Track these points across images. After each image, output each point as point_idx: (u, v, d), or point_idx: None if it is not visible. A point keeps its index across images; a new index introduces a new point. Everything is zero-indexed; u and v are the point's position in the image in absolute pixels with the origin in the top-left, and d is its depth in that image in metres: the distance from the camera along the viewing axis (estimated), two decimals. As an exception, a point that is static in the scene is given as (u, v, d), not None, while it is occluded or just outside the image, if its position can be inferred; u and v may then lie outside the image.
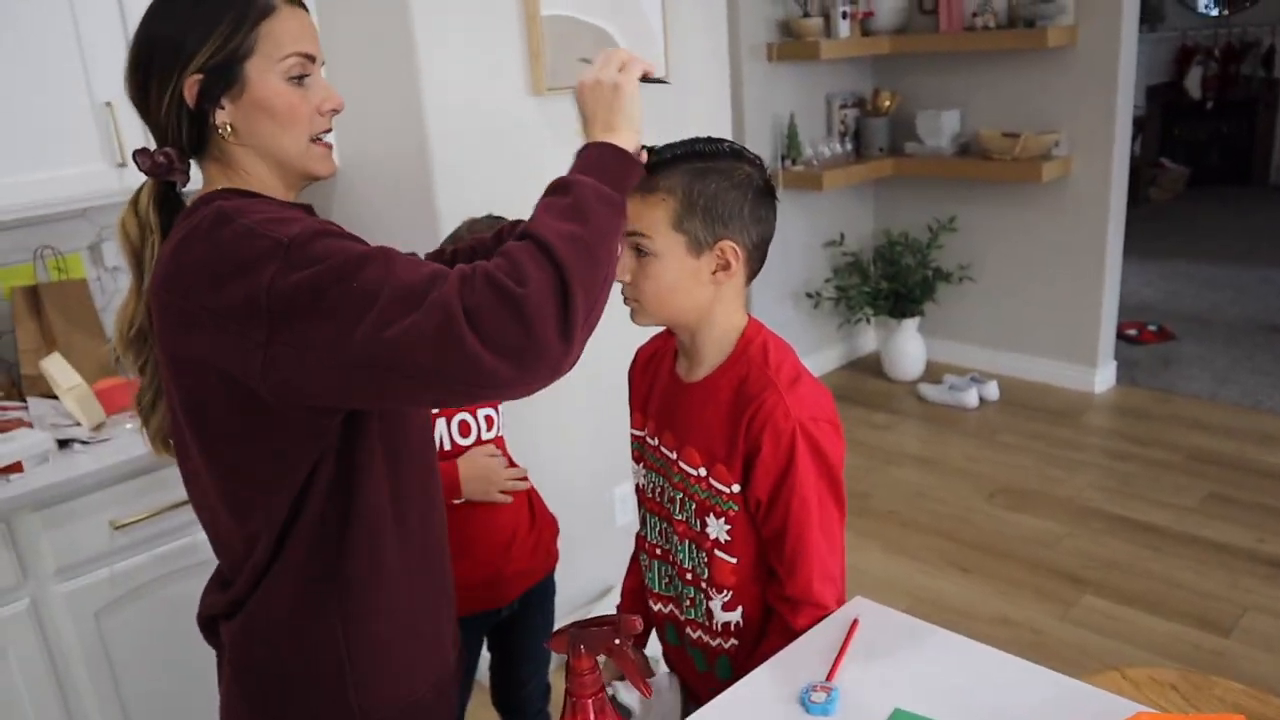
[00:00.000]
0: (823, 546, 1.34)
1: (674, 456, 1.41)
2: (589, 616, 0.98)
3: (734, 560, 1.37)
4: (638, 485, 1.53)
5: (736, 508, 1.35)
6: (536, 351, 0.95)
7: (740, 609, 1.40)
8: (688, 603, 1.44)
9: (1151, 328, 5.45)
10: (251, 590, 1.18)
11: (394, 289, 0.96)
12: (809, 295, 5.02)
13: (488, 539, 1.86)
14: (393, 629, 1.23)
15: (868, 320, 5.19)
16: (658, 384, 1.49)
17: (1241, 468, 3.94)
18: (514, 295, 0.94)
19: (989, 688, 1.26)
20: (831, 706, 1.21)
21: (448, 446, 1.83)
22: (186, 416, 1.13)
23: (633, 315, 1.36)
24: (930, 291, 4.89)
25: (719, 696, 1.27)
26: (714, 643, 1.43)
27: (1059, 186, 4.58)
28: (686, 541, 1.41)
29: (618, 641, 0.97)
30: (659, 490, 1.46)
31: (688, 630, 1.47)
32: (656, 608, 1.53)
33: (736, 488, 1.34)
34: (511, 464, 1.94)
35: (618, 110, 1.15)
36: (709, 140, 1.31)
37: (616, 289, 1.23)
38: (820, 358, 5.18)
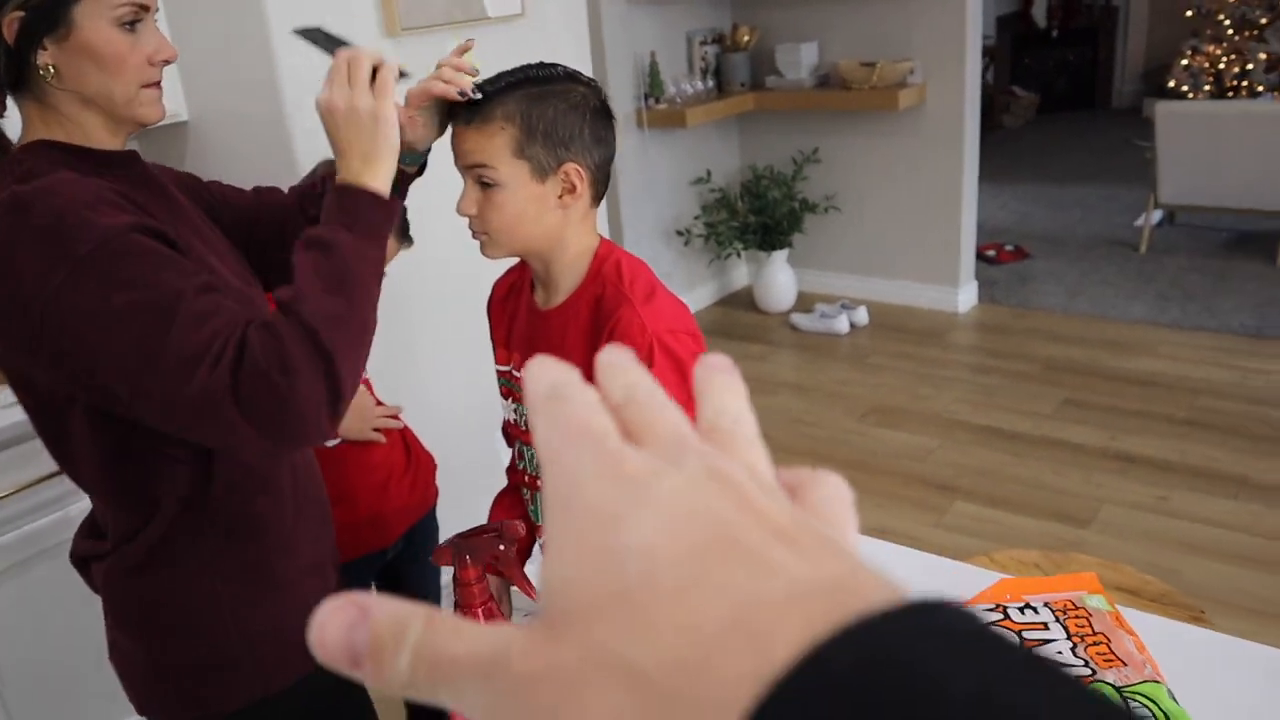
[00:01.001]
0: None
1: None
2: (471, 528, 0.99)
3: None
4: (508, 421, 1.53)
5: None
6: (301, 432, 1.01)
7: None
8: None
9: (1008, 248, 5.69)
10: (131, 537, 1.16)
11: (169, 348, 0.98)
12: (679, 233, 5.06)
13: (365, 479, 1.85)
14: (281, 559, 1.22)
15: (738, 255, 5.27)
16: (518, 316, 1.49)
17: (1093, 373, 4.17)
18: (280, 389, 0.97)
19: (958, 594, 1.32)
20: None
21: None
22: (30, 405, 1.12)
23: (483, 249, 1.35)
24: (798, 223, 4.99)
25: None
26: None
27: (915, 114, 4.72)
28: None
29: (502, 548, 0.98)
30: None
31: None
32: (543, 540, 1.55)
33: None
34: (379, 404, 1.93)
35: (379, 140, 1.12)
36: (541, 65, 1.30)
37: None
38: (694, 295, 5.25)
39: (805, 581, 0.23)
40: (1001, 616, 1.12)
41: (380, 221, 1.11)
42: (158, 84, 1.15)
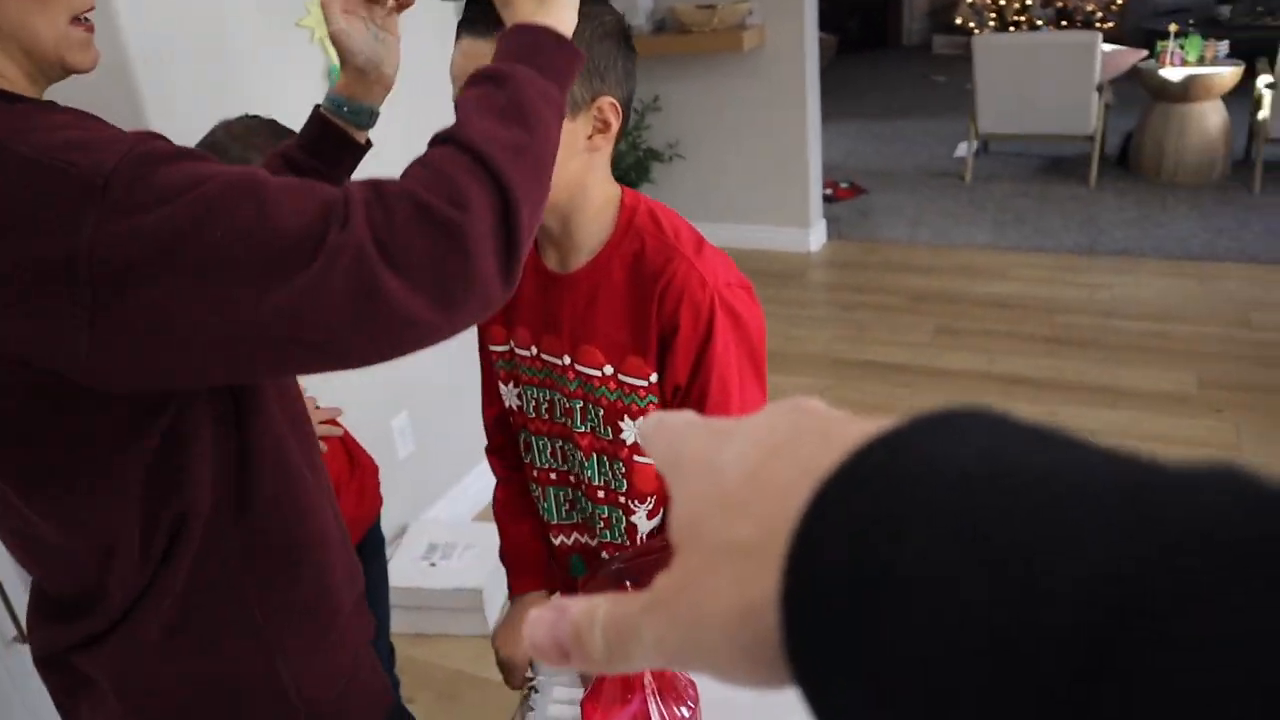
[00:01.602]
0: None
1: (566, 361, 1.22)
2: (634, 550, 0.81)
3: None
4: (511, 409, 1.34)
5: (656, 400, 1.20)
6: (475, 292, 0.76)
7: (663, 514, 1.27)
8: (601, 524, 1.28)
9: (844, 185, 5.78)
10: (129, 609, 0.91)
11: (278, 231, 0.72)
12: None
13: None
14: (320, 598, 1.00)
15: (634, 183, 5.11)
16: (521, 286, 1.29)
17: (956, 300, 4.28)
18: (451, 222, 0.74)
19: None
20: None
21: None
22: None
23: None
24: (645, 173, 4.88)
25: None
26: None
27: (757, 56, 4.67)
28: (595, 455, 1.24)
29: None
30: (547, 406, 1.27)
31: (604, 556, 1.32)
32: (558, 540, 1.36)
33: (654, 377, 1.18)
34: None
35: None
36: None
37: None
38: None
39: (858, 430, 0.27)
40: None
41: (563, 60, 0.88)
42: (88, 23, 0.89)
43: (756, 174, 4.91)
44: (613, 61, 1.10)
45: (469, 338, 3.22)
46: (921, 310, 4.21)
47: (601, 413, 1.21)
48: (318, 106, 1.17)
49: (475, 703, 2.36)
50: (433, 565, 2.52)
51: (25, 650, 1.92)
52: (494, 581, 2.57)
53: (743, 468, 0.28)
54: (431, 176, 0.76)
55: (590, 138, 1.11)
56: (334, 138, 1.17)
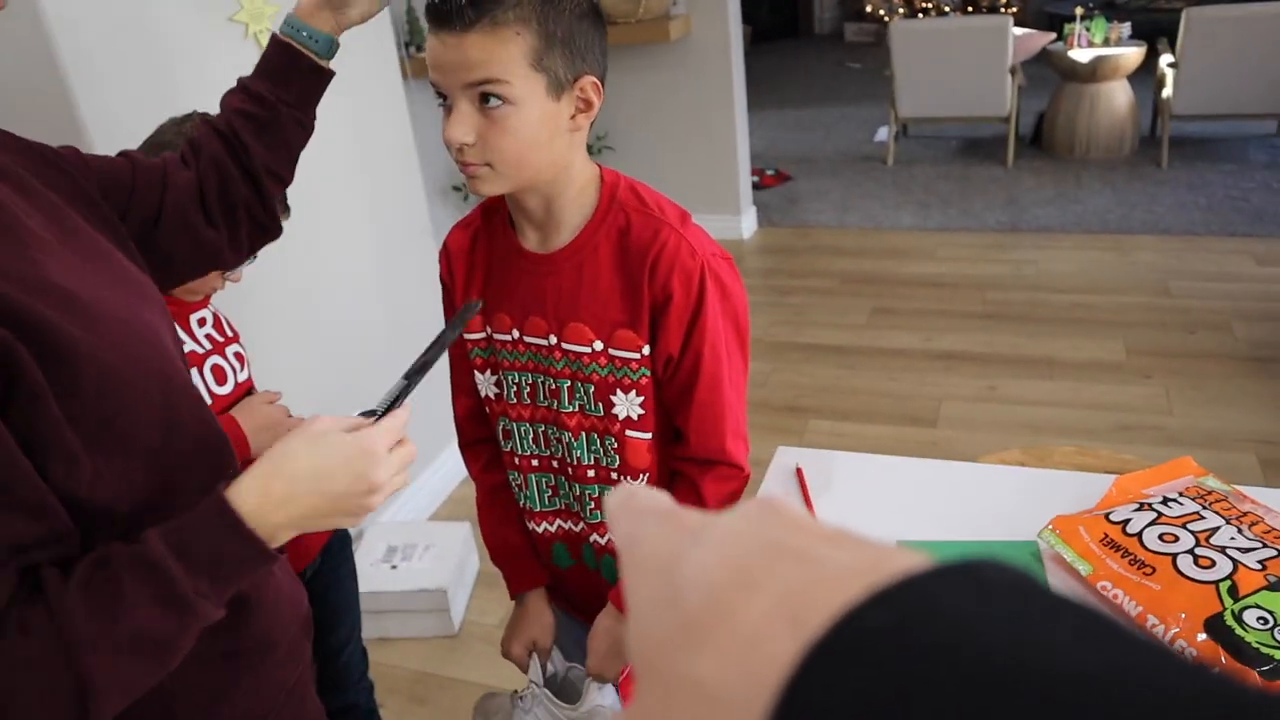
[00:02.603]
0: (734, 401, 1.23)
1: (552, 341, 1.21)
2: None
3: (648, 436, 1.22)
4: (487, 398, 1.31)
5: (649, 373, 1.19)
6: None
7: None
8: (591, 505, 1.27)
9: (769, 172, 5.82)
10: None
11: None
12: (456, 189, 4.78)
13: None
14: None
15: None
16: (495, 271, 1.26)
17: (888, 281, 4.35)
18: None
19: (959, 498, 1.24)
20: (839, 556, 1.13)
21: (207, 401, 1.48)
22: None
23: (477, 185, 1.11)
24: (576, 166, 4.84)
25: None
26: None
27: (684, 46, 4.67)
28: (584, 434, 1.23)
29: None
30: (530, 390, 1.26)
31: (594, 538, 1.31)
32: (540, 528, 1.35)
33: (646, 349, 1.18)
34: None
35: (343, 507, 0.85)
36: None
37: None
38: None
39: (847, 564, 0.24)
40: (1155, 515, 1.08)
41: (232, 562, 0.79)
42: None
43: (686, 163, 4.92)
44: (591, 41, 1.09)
45: (429, 331, 3.16)
46: (856, 292, 4.26)
47: (592, 389, 1.20)
48: (275, 34, 1.15)
49: (445, 704, 2.32)
50: (394, 568, 2.47)
51: None
52: (457, 581, 2.53)
53: (705, 589, 0.25)
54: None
55: (573, 117, 1.10)
56: (302, 66, 1.16)
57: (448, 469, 3.13)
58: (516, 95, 1.04)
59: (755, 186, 5.60)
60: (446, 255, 1.32)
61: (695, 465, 1.23)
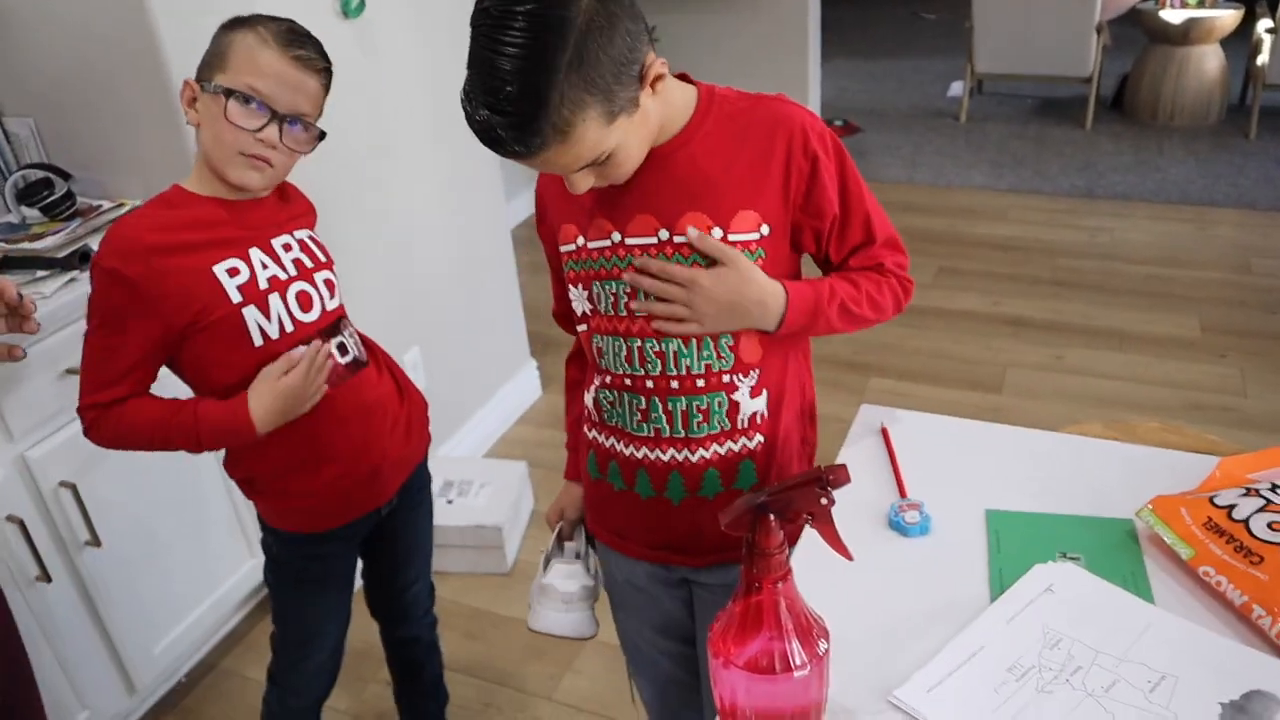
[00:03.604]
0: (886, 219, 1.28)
1: (663, 238, 1.17)
2: (780, 483, 0.78)
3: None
4: (584, 314, 1.28)
5: (765, 254, 1.18)
6: None
7: (765, 392, 1.24)
8: (700, 420, 1.23)
9: (838, 123, 5.71)
10: None
11: None
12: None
13: (359, 431, 1.56)
14: None
15: (585, 145, 5.02)
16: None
17: (957, 241, 4.27)
18: None
19: (1047, 469, 1.21)
20: (928, 524, 1.11)
21: (289, 328, 1.47)
22: None
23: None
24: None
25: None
26: (737, 446, 1.25)
27: (760, -13, 4.58)
28: (694, 339, 1.20)
29: (824, 502, 0.78)
30: (636, 296, 1.21)
31: (694, 457, 1.25)
32: (627, 451, 1.30)
33: (766, 229, 1.16)
34: (366, 341, 1.63)
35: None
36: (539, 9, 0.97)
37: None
38: (523, 201, 4.97)
39: None
40: (1263, 502, 1.05)
41: None
42: None
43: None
44: (631, 35, 1.02)
45: (479, 264, 3.14)
46: (922, 250, 4.18)
47: None
48: None
49: (496, 641, 2.35)
50: (450, 503, 2.49)
51: (49, 589, 1.88)
52: (512, 520, 2.54)
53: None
54: None
55: (654, 94, 1.08)
56: None
57: (505, 407, 3.14)
58: (612, 144, 1.05)
59: (823, 137, 5.51)
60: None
61: (870, 250, 1.27)
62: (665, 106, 1.13)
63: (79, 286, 1.92)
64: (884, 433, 1.28)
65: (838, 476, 0.78)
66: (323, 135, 1.44)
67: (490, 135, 0.97)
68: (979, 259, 4.09)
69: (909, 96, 6.32)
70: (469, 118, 0.98)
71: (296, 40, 1.36)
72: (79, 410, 1.41)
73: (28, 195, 2.04)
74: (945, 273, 3.99)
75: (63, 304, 1.87)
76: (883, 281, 1.27)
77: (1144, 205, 4.51)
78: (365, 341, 1.62)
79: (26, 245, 1.95)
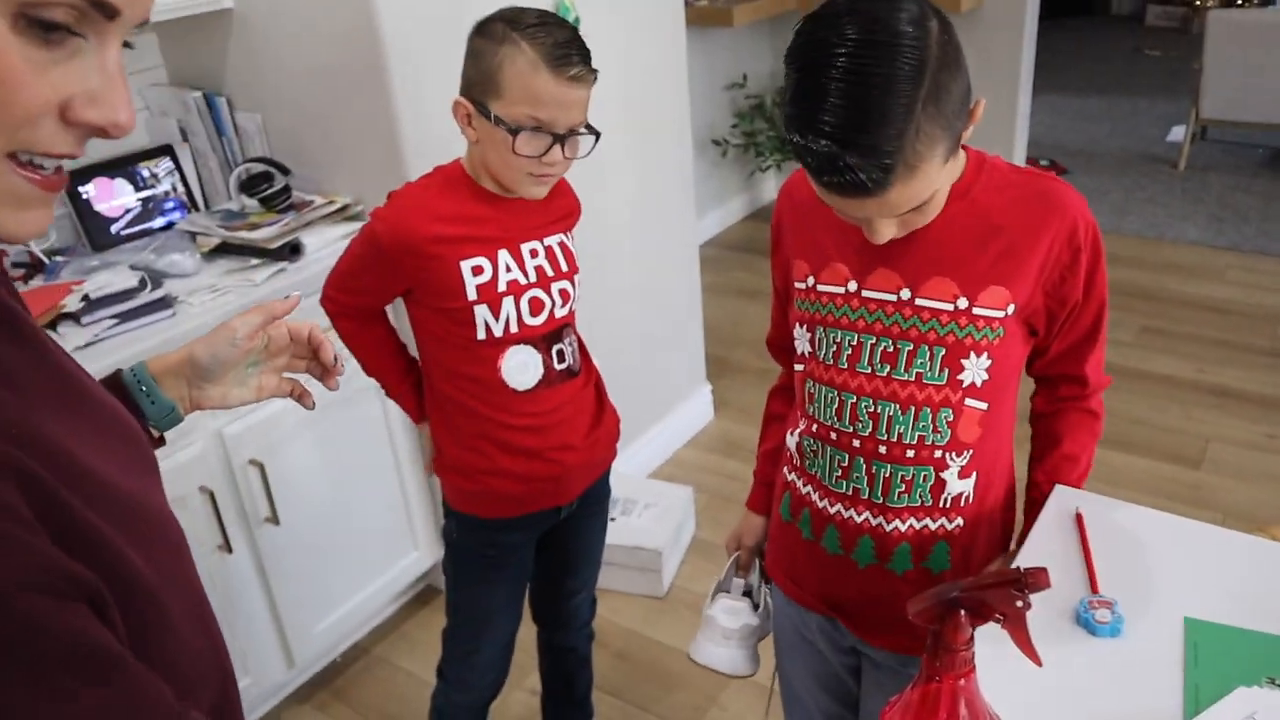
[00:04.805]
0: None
1: (903, 296, 1.15)
2: (977, 577, 0.75)
3: (984, 407, 1.17)
4: (803, 354, 1.25)
5: (1003, 334, 1.14)
6: None
7: (975, 474, 1.20)
8: (901, 490, 1.19)
9: (1044, 162, 5.49)
10: None
11: None
12: (715, 143, 4.76)
13: (551, 432, 1.61)
14: None
15: (777, 166, 4.99)
16: (838, 218, 1.16)
17: (1164, 299, 4.02)
18: None
19: (1262, 580, 1.12)
20: (1120, 625, 1.04)
21: (514, 329, 1.52)
22: None
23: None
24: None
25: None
26: (935, 525, 1.22)
27: (974, 18, 4.44)
28: (914, 407, 1.16)
29: (1019, 605, 0.74)
30: (854, 352, 1.18)
31: (888, 526, 1.21)
32: (821, 504, 1.27)
33: (1012, 308, 1.13)
34: (583, 350, 1.67)
35: None
36: (886, 36, 0.94)
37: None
38: (725, 210, 4.98)
39: None
40: None
41: None
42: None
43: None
44: (964, 75, 1.01)
45: (664, 281, 3.14)
46: (1125, 305, 3.96)
47: (943, 352, 1.14)
48: (120, 372, 0.97)
49: (644, 664, 2.36)
50: (612, 520, 2.51)
51: (230, 559, 2.00)
52: (673, 544, 2.55)
53: None
54: None
55: (968, 135, 1.07)
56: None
57: (676, 428, 3.15)
58: (932, 193, 1.04)
59: (1025, 175, 5.30)
60: (788, 196, 1.30)
61: (1080, 386, 1.27)
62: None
63: (287, 277, 2.03)
64: (1078, 519, 1.21)
65: (1037, 580, 0.74)
66: (598, 136, 1.49)
67: (833, 166, 0.95)
68: (1188, 320, 3.84)
69: (1123, 138, 6.01)
70: (802, 150, 0.97)
71: (567, 58, 1.38)
72: (321, 300, 1.61)
73: (249, 186, 2.18)
74: (1149, 333, 3.77)
75: (273, 291, 1.99)
76: (1089, 435, 1.32)
77: (1385, 277, 4.14)
78: (584, 352, 1.68)
79: (244, 234, 2.08)
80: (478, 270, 1.48)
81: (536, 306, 1.53)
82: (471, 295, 1.48)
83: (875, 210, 1.03)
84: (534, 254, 1.54)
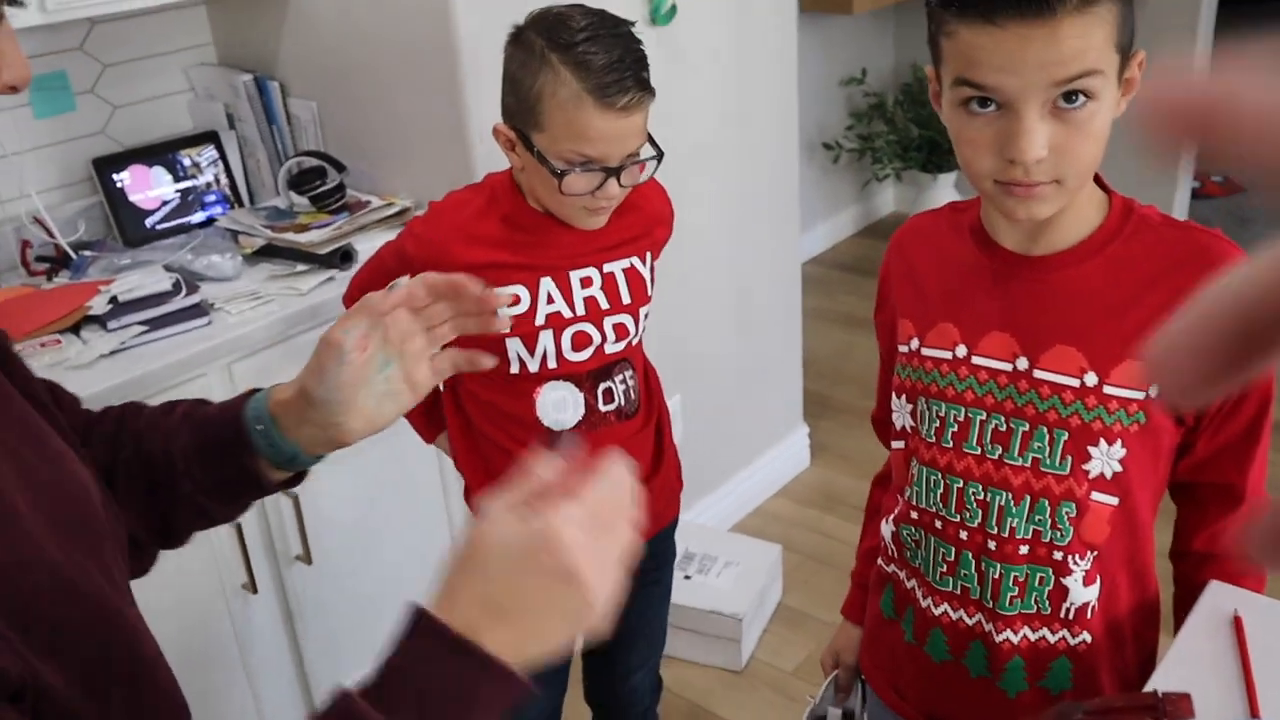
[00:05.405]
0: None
1: (1021, 366, 1.11)
2: (1104, 699, 0.71)
3: (1115, 503, 1.12)
4: (904, 429, 1.23)
5: (1144, 420, 1.09)
6: None
7: (1100, 580, 1.15)
8: (1014, 594, 1.16)
9: (1217, 179, 5.32)
10: None
11: None
12: (827, 146, 4.72)
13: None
14: None
15: (897, 176, 4.93)
16: (950, 272, 1.18)
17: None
18: None
19: None
20: (1284, 759, 0.98)
21: (551, 364, 1.52)
22: None
23: (1036, 209, 1.03)
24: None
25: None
26: (1054, 638, 1.17)
27: (1143, 4, 4.34)
28: (1028, 496, 1.13)
29: (1157, 732, 0.70)
30: (961, 429, 1.15)
31: (999, 636, 1.18)
32: (925, 603, 1.24)
33: (1155, 390, 1.07)
34: (646, 376, 1.67)
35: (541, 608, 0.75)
36: None
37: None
38: (835, 223, 4.93)
39: None
40: None
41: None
42: None
43: (1115, 150, 4.57)
44: None
45: (760, 305, 3.10)
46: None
47: (1065, 437, 1.10)
48: (244, 402, 0.95)
49: (715, 747, 2.33)
50: (687, 578, 2.49)
51: (254, 599, 2.02)
52: (755, 610, 2.51)
53: None
54: None
55: (1123, 96, 1.03)
56: (239, 460, 0.94)
57: (766, 474, 3.11)
58: (1103, 88, 0.99)
59: (1194, 194, 5.14)
60: (898, 248, 1.28)
61: (1237, 504, 1.17)
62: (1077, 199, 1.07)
63: (336, 286, 2.06)
64: (1237, 623, 1.15)
65: (1178, 709, 0.69)
66: (661, 155, 1.48)
67: None
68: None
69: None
70: None
71: (617, 86, 1.36)
72: (344, 300, 1.70)
73: (300, 182, 2.22)
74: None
75: (322, 302, 2.00)
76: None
77: None
78: (649, 391, 1.65)
79: (291, 236, 2.12)
80: (514, 300, 1.47)
81: (581, 341, 1.53)
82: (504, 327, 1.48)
83: (1039, 54, 0.95)
84: (586, 283, 1.53)
